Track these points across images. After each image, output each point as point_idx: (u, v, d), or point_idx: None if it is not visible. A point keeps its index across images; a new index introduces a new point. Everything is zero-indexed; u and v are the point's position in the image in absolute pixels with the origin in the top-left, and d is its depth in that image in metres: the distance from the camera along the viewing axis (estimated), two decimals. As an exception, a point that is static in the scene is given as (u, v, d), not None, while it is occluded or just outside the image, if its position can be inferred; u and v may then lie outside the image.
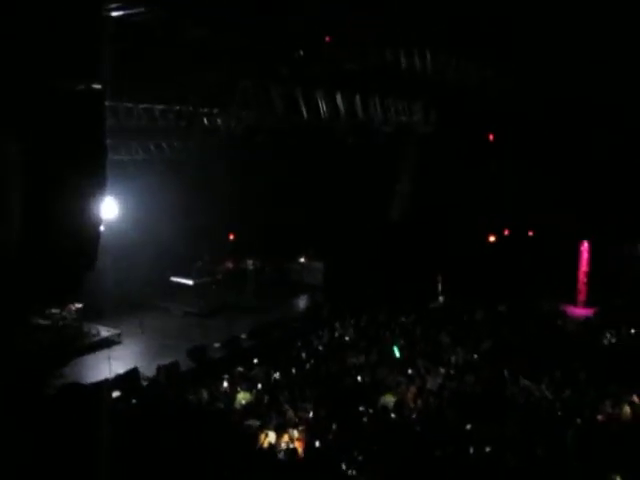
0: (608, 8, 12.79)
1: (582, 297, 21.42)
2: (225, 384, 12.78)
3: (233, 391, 12.31)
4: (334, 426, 9.63)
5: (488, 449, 8.45)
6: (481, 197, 19.98)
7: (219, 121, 16.23)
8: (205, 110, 15.61)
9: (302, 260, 26.06)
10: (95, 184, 5.51)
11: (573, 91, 16.14)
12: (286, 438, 9.58)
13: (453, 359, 13.86)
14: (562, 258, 20.50)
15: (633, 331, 16.23)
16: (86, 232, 5.53)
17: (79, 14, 4.79)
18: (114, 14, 7.81)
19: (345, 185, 20.72)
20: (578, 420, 9.58)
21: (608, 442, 8.45)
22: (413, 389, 11.69)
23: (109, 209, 17.20)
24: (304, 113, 15.17)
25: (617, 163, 18.11)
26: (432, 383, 12.16)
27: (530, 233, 22.27)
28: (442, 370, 12.88)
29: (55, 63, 4.82)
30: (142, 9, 8.48)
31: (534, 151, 19.51)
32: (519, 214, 20.71)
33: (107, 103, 7.79)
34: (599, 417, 10.00)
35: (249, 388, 12.27)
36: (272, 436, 9.63)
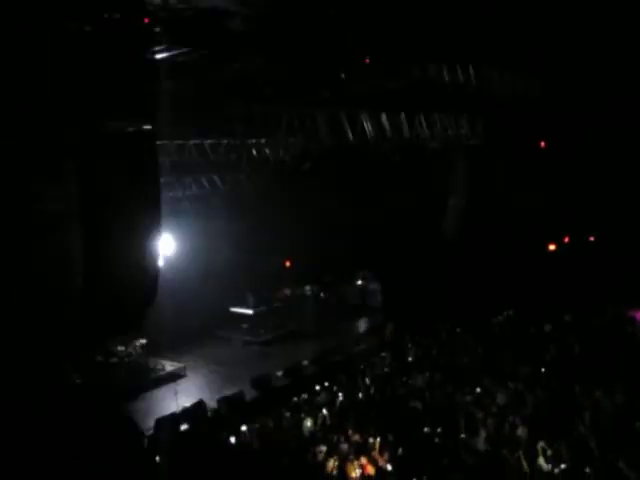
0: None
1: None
2: (290, 412, 12.76)
3: (298, 418, 12.27)
4: (400, 450, 9.46)
5: (564, 466, 8.12)
6: (536, 206, 19.51)
7: (267, 151, 16.47)
8: (253, 141, 15.88)
9: (359, 282, 25.95)
10: (151, 221, 5.68)
11: (625, 91, 15.69)
12: (355, 464, 9.44)
13: (521, 374, 13.44)
14: (628, 262, 19.72)
15: None
16: (146, 268, 5.68)
17: (126, 58, 4.98)
18: (159, 56, 8.06)
19: (397, 204, 20.60)
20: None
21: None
22: (482, 407, 11.39)
23: (167, 245, 17.61)
24: (349, 135, 15.27)
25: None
26: (500, 400, 11.82)
27: (591, 238, 21.58)
28: (510, 385, 12.51)
29: (107, 107, 5.02)
30: (186, 49, 8.75)
31: (588, 154, 18.98)
32: (578, 220, 20.13)
33: (158, 142, 8.04)
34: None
35: (314, 414, 12.20)
36: (340, 462, 9.52)
